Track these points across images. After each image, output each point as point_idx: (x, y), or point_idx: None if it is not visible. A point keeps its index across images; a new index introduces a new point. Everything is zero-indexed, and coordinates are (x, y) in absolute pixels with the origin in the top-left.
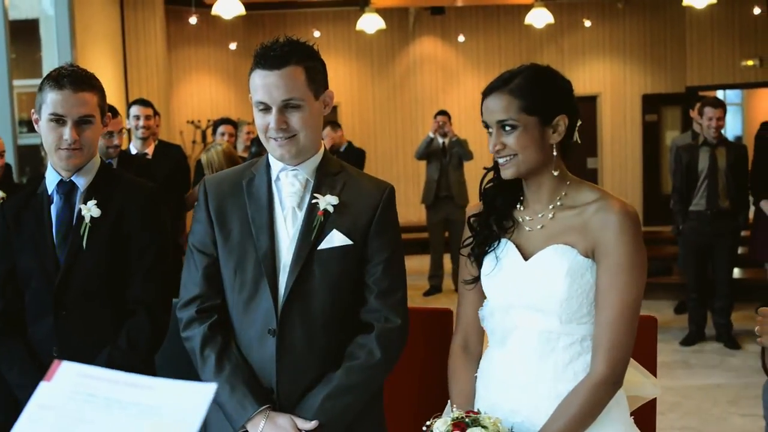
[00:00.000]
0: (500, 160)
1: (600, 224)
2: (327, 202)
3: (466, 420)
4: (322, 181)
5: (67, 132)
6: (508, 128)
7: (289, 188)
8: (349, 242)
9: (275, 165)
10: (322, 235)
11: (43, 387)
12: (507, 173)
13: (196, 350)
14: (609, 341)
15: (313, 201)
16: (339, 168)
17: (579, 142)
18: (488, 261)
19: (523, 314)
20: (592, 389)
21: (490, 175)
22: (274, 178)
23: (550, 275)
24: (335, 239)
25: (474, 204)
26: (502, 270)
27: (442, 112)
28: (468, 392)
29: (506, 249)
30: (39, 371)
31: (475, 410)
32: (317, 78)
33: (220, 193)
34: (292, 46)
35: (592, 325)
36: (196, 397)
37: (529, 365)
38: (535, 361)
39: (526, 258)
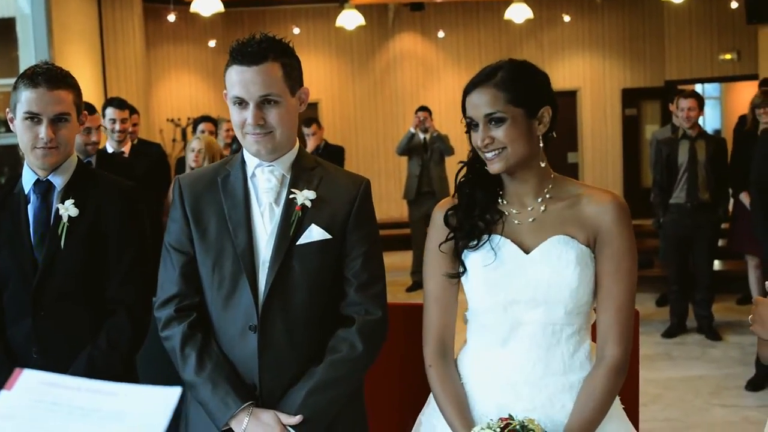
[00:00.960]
0: (488, 155)
1: (596, 214)
2: (304, 197)
3: (517, 428)
4: (298, 177)
5: (42, 130)
6: (495, 122)
7: (266, 184)
8: (328, 236)
9: (251, 161)
10: (300, 230)
11: (3, 396)
12: (495, 167)
13: (176, 349)
14: (620, 327)
15: (291, 196)
16: (314, 163)
17: (554, 135)
18: (482, 254)
19: (525, 309)
20: (610, 374)
21: (464, 170)
22: (249, 174)
23: (560, 265)
24: (314, 233)
25: (445, 201)
26: (503, 265)
27: (423, 108)
28: (462, 399)
29: (501, 244)
30: None
31: (506, 416)
32: (293, 74)
33: (195, 191)
34: (269, 43)
35: (587, 315)
36: (160, 402)
37: (538, 360)
38: (543, 356)
39: (525, 252)
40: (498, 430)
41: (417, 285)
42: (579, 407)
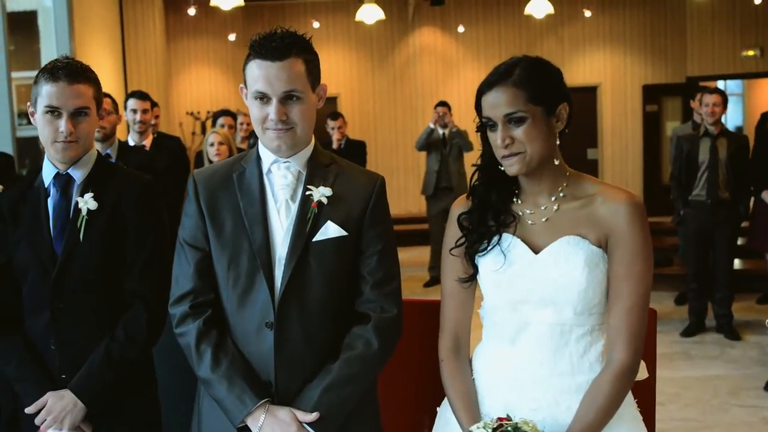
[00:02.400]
0: (507, 157)
1: (610, 214)
2: (321, 193)
3: (508, 429)
4: (314, 173)
5: (62, 124)
6: (515, 122)
7: (282, 180)
8: (344, 233)
9: (266, 157)
10: (316, 227)
11: None
12: (513, 169)
13: (191, 346)
14: (629, 330)
15: (307, 193)
16: (330, 160)
17: (566, 131)
18: (492, 258)
19: (534, 309)
20: (616, 378)
21: (477, 174)
22: (265, 170)
23: (568, 266)
24: (330, 230)
25: (460, 200)
26: (512, 265)
27: (442, 103)
28: (471, 395)
29: (512, 244)
30: (36, 364)
31: (505, 416)
32: (314, 71)
33: (210, 187)
34: (292, 38)
35: (600, 315)
36: None
37: (546, 360)
38: (550, 356)
39: (535, 251)
40: (491, 430)
41: (435, 280)
42: (583, 410)
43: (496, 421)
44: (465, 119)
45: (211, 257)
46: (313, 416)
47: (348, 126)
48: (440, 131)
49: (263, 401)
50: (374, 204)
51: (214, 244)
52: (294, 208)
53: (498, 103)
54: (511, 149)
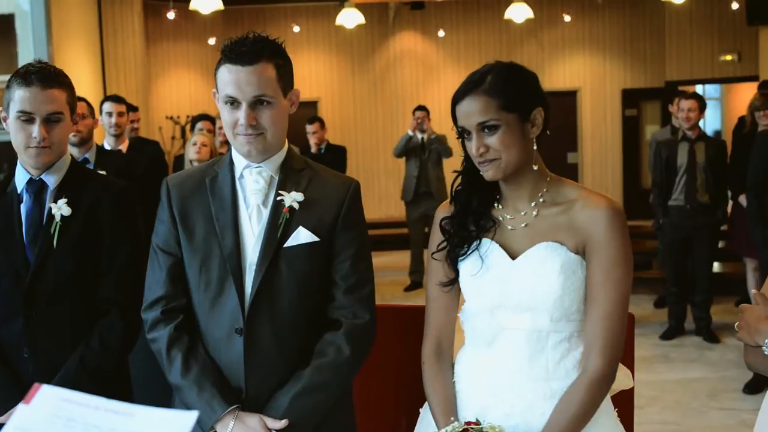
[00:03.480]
0: (483, 164)
1: (589, 220)
2: (292, 198)
3: None
4: (286, 178)
5: (35, 130)
6: (489, 129)
7: (254, 185)
8: (316, 239)
9: (239, 162)
10: (288, 233)
11: (21, 409)
12: (489, 175)
13: (162, 351)
14: (604, 337)
15: (279, 198)
16: (303, 164)
17: (548, 133)
18: (470, 262)
19: (510, 314)
20: (590, 386)
21: (459, 179)
22: (237, 175)
23: (543, 273)
24: (301, 236)
25: (443, 206)
26: (489, 270)
27: (421, 108)
28: (449, 399)
29: (489, 249)
30: (9, 373)
31: (474, 420)
32: (286, 76)
33: (182, 192)
34: (263, 43)
35: (580, 322)
36: (176, 425)
37: (521, 366)
38: (526, 361)
39: (513, 257)
40: None
41: (415, 285)
42: (555, 417)
43: (464, 425)
44: (445, 123)
45: (183, 262)
46: (282, 423)
47: (328, 130)
48: (419, 136)
49: (232, 407)
50: (348, 208)
51: (186, 248)
52: (265, 213)
53: (471, 112)
54: (485, 157)
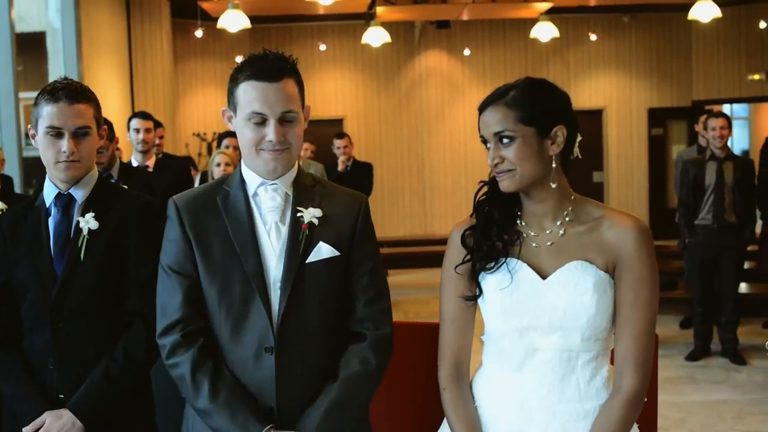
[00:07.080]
0: (498, 174)
1: (617, 240)
2: (311, 214)
3: None
4: (301, 195)
5: (64, 144)
6: (505, 140)
7: (270, 203)
8: (337, 253)
9: (252, 180)
10: (309, 249)
11: None
12: (504, 185)
13: (186, 377)
14: (637, 356)
15: (298, 214)
16: (313, 181)
17: (579, 156)
18: (499, 276)
19: (540, 335)
20: (626, 405)
21: (484, 189)
22: (251, 193)
23: (577, 292)
24: (323, 251)
25: (459, 223)
26: (519, 289)
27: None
28: (473, 421)
29: (517, 267)
30: (35, 383)
31: None
32: (302, 92)
33: (194, 211)
34: (284, 59)
35: (605, 341)
36: None
37: (553, 387)
38: (558, 382)
39: (542, 276)
40: None
41: None
42: None
43: None
44: (471, 142)
45: (199, 283)
46: None
47: (354, 147)
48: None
49: (268, 427)
50: (362, 224)
51: (203, 270)
52: (284, 230)
53: (490, 122)
54: (500, 167)
